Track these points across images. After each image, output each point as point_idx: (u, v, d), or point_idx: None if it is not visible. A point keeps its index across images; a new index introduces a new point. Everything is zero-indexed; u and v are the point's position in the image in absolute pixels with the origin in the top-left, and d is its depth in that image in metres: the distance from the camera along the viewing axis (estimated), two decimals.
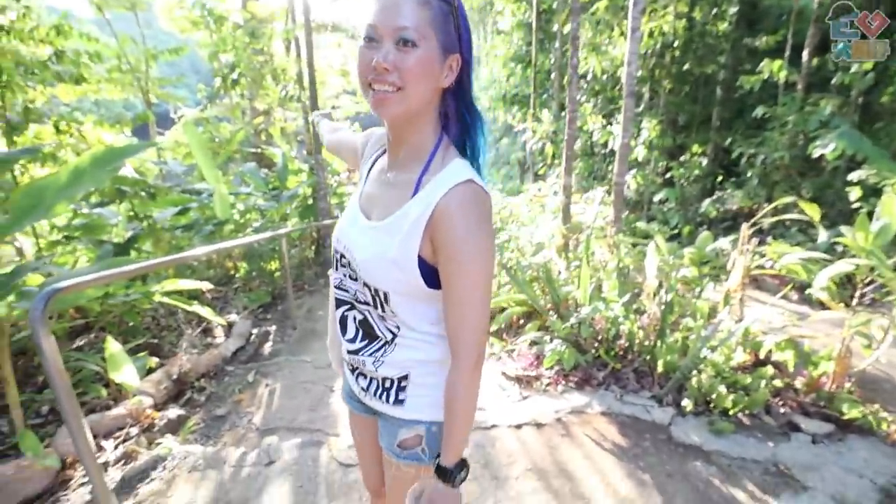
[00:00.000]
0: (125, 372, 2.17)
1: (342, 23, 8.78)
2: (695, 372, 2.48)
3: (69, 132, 4.32)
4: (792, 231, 5.91)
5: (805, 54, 6.26)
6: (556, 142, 9.33)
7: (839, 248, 3.30)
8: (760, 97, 7.21)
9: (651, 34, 7.94)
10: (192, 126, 5.20)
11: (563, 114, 7.80)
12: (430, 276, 0.79)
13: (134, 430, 2.32)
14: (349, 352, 0.95)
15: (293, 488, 1.95)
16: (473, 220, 0.75)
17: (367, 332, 0.91)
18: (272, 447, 2.22)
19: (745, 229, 3.09)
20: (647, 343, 2.86)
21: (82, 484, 1.91)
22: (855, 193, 4.83)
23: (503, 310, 3.53)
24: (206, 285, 3.17)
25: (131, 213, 3.92)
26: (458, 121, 0.82)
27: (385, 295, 0.82)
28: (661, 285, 3.01)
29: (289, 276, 4.43)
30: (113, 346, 2.16)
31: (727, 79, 8.24)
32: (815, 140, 5.09)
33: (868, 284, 2.74)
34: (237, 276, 5.26)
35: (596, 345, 2.95)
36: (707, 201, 7.36)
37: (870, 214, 2.63)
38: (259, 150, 7.82)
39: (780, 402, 2.45)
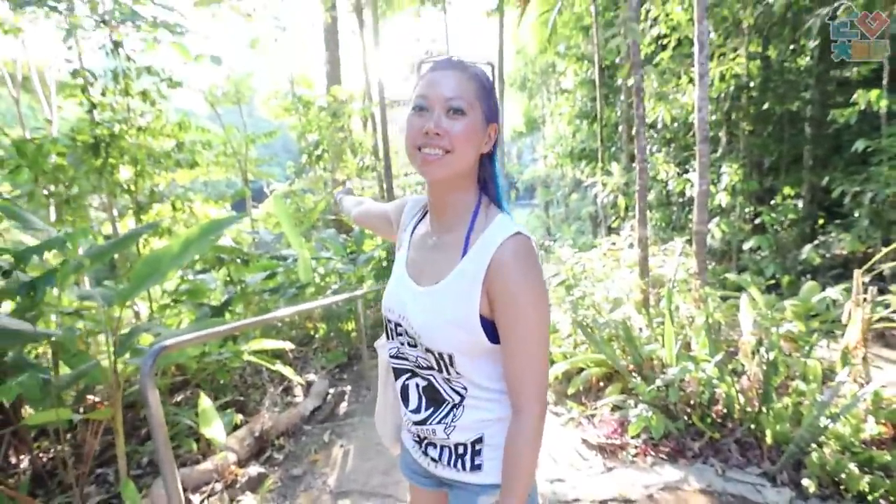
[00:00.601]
0: (214, 427, 2.31)
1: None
2: (814, 445, 2.12)
3: (183, 210, 5.02)
4: None
5: None
6: (628, 193, 9.08)
7: None
8: (860, 130, 6.59)
9: (723, 77, 7.71)
10: (280, 199, 5.80)
11: (633, 164, 7.65)
12: (491, 331, 0.80)
13: (218, 486, 2.42)
14: (415, 423, 0.92)
15: None
16: (527, 270, 0.77)
17: (433, 397, 0.89)
18: None
19: (859, 276, 2.71)
20: (749, 409, 2.52)
21: None
22: None
23: (581, 371, 3.33)
24: (288, 345, 3.36)
25: (228, 279, 4.35)
26: (493, 182, 0.87)
27: (450, 357, 0.82)
28: (760, 342, 2.68)
29: (364, 336, 4.57)
30: (205, 401, 2.32)
31: (815, 114, 7.66)
32: None
33: None
34: (316, 336, 5.52)
35: (688, 410, 2.66)
36: (808, 247, 6.63)
37: None
38: (337, 218, 8.45)
39: None
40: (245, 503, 2.26)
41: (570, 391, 3.21)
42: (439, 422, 0.88)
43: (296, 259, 5.15)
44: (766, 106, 7.90)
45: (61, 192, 4.05)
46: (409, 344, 0.89)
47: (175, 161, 4.95)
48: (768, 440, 2.30)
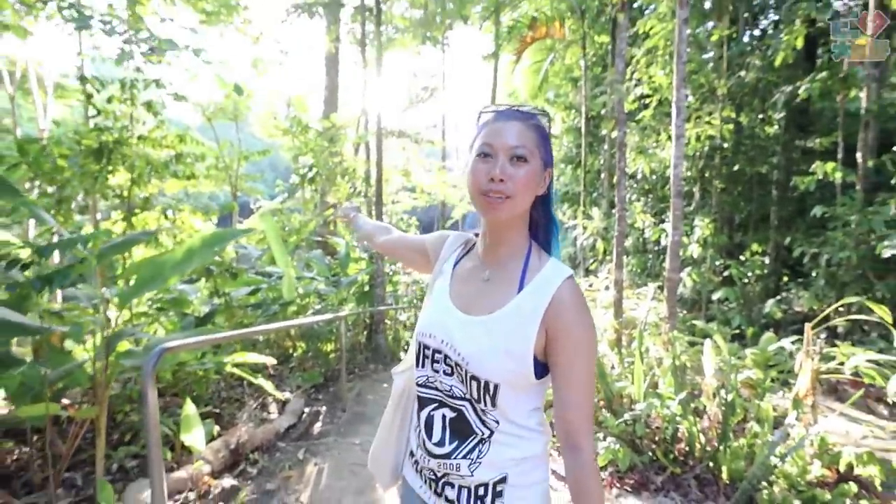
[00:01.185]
0: (195, 434, 2.33)
1: (407, 130, 9.89)
2: (765, 483, 2.28)
3: (171, 219, 5.06)
4: (872, 336, 5.45)
5: (859, 156, 6.26)
6: (606, 238, 9.47)
7: None
8: (822, 196, 7.12)
9: (698, 138, 8.27)
10: (269, 216, 5.88)
11: (613, 211, 8.03)
12: (537, 366, 0.83)
13: (192, 495, 2.42)
14: (436, 456, 0.89)
15: None
16: (584, 311, 0.83)
17: (459, 430, 0.87)
18: None
19: (809, 330, 2.96)
20: (709, 448, 2.68)
21: None
22: None
23: (552, 404, 3.45)
24: (270, 360, 3.40)
25: (212, 290, 4.37)
26: (544, 224, 0.92)
27: (496, 387, 0.82)
28: (721, 385, 2.88)
29: (344, 357, 4.61)
30: (190, 408, 2.36)
31: (781, 178, 8.25)
32: (884, 240, 4.90)
33: None
34: (294, 355, 5.50)
35: (653, 446, 2.80)
36: (771, 302, 7.01)
37: None
38: (324, 240, 8.53)
39: None
40: None
41: None
42: (464, 456, 0.86)
43: (280, 277, 5.20)
44: (737, 167, 8.46)
45: (53, 192, 4.08)
46: (445, 372, 0.89)
47: (172, 172, 5.03)
48: (724, 477, 2.45)
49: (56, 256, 3.93)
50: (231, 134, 9.80)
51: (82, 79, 4.36)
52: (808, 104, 7.31)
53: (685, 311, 8.36)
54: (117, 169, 4.31)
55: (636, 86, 8.52)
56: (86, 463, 2.55)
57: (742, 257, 8.22)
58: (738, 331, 6.74)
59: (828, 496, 2.19)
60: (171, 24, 4.73)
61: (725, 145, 8.43)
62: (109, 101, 4.41)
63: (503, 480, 0.85)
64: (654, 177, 9.59)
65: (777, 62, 6.60)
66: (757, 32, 9.89)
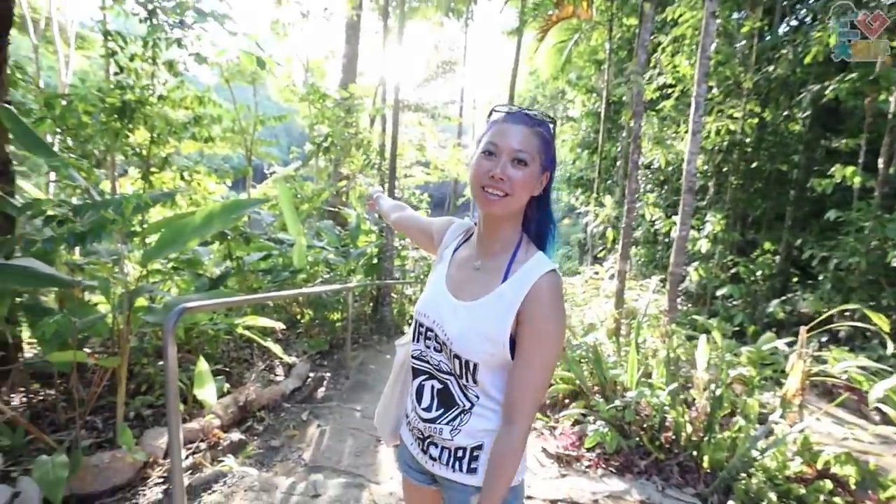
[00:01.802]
0: (207, 390, 2.48)
1: (425, 104, 9.80)
2: (744, 474, 2.39)
3: (188, 181, 5.15)
4: (873, 343, 5.48)
5: (881, 162, 6.14)
6: (617, 227, 9.45)
7: None
8: (841, 198, 7.01)
9: (718, 132, 8.12)
10: (283, 183, 5.96)
11: (625, 200, 8.01)
12: (513, 348, 0.92)
13: (203, 445, 2.59)
14: (424, 420, 1.01)
15: None
16: (555, 304, 0.90)
17: (444, 400, 0.98)
18: (318, 483, 2.38)
19: (804, 332, 3.01)
20: (694, 438, 2.79)
21: (157, 483, 2.18)
22: None
23: (549, 386, 3.57)
24: (279, 325, 3.54)
25: (225, 254, 4.50)
26: (536, 221, 0.99)
27: (475, 366, 0.92)
28: (713, 379, 2.96)
29: (350, 327, 4.75)
30: (203, 365, 2.50)
31: (801, 178, 8.11)
32: None
33: None
34: (302, 321, 5.67)
35: (640, 432, 2.91)
36: (775, 302, 7.02)
37: None
38: (336, 210, 8.61)
39: None
40: (227, 464, 2.43)
41: None
42: (447, 423, 0.97)
43: (291, 244, 5.32)
44: (756, 163, 8.31)
45: (76, 148, 4.18)
46: (434, 349, 0.99)
47: (190, 133, 5.09)
48: (706, 466, 2.57)
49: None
50: (248, 96, 9.79)
51: (106, 34, 4.38)
52: (836, 103, 7.11)
53: (689, 305, 8.41)
54: (137, 127, 4.39)
55: (659, 74, 8.34)
56: (104, 409, 2.72)
57: (752, 255, 8.18)
58: (739, 328, 6.79)
59: (802, 490, 2.30)
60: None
61: (747, 140, 8.27)
62: (132, 59, 4.44)
63: (480, 447, 0.96)
64: (670, 168, 9.46)
65: (807, 59, 6.41)
66: (794, 23, 9.51)
